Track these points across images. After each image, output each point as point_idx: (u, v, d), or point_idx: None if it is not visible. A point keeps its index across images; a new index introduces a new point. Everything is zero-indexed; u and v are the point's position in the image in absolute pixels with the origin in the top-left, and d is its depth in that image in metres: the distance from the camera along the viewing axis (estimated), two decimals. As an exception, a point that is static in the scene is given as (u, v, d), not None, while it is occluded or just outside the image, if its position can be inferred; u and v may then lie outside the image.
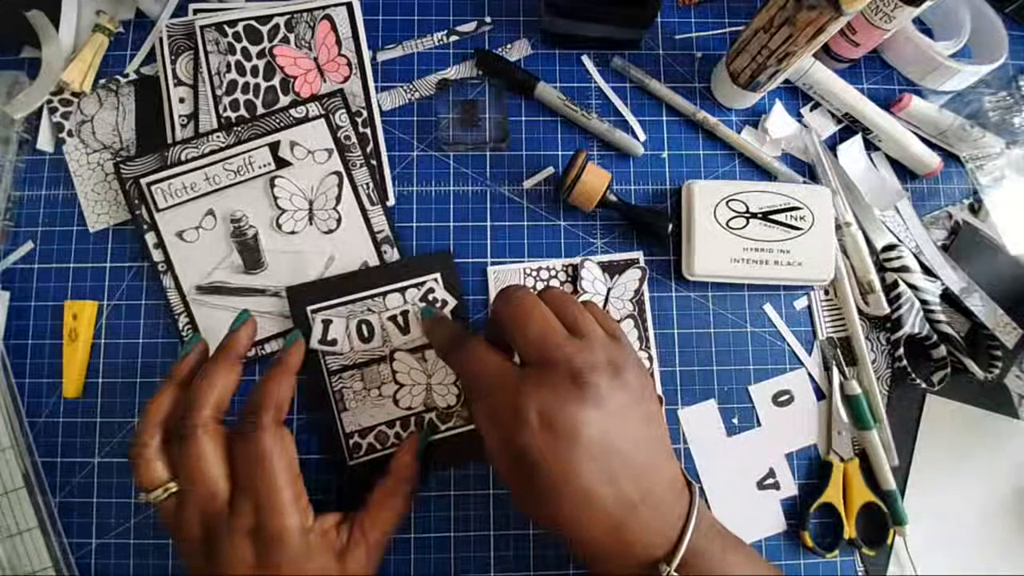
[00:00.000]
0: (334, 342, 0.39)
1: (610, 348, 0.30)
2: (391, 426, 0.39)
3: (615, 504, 0.27)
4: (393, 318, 0.40)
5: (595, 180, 0.39)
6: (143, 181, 0.40)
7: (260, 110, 0.42)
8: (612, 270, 0.42)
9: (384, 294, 0.40)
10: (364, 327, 0.40)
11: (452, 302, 0.40)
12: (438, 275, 0.41)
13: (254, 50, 0.43)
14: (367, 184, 0.42)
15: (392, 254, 0.41)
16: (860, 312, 0.42)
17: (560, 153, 0.44)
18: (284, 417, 0.33)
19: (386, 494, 0.35)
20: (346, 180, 0.42)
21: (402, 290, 0.40)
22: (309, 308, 0.40)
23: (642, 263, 0.42)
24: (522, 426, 0.27)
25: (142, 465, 0.31)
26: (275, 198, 0.41)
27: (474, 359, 0.31)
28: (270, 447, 0.31)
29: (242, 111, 0.42)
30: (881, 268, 0.42)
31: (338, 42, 0.43)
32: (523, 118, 0.44)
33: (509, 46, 0.45)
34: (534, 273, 0.42)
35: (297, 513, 0.30)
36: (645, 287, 0.42)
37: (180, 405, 0.32)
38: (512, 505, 0.39)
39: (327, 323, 0.39)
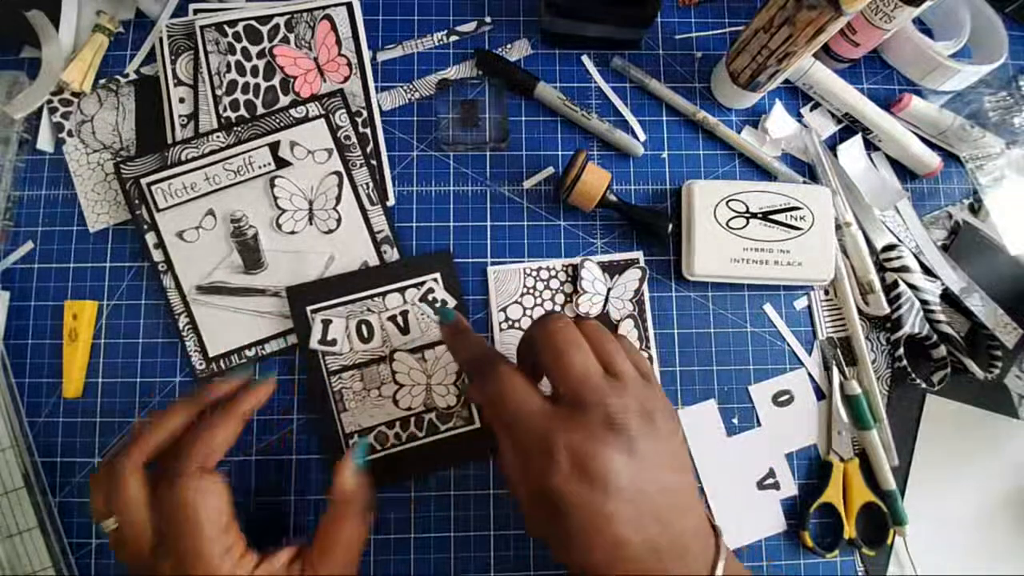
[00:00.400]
0: (334, 342, 0.39)
1: (643, 391, 0.29)
2: (391, 426, 0.39)
3: (646, 553, 0.26)
4: (393, 318, 0.40)
5: (595, 180, 0.39)
6: (143, 181, 0.40)
7: (260, 110, 0.42)
8: (612, 270, 0.42)
9: (384, 294, 0.40)
10: (364, 327, 0.40)
11: (452, 302, 0.40)
12: (438, 275, 0.41)
13: (254, 50, 0.43)
14: (367, 184, 0.42)
15: (392, 254, 0.41)
16: (860, 312, 0.42)
17: (560, 153, 0.44)
18: (215, 462, 0.31)
19: (329, 522, 0.32)
20: (346, 180, 0.42)
21: (402, 290, 0.40)
22: (309, 308, 0.40)
23: (642, 263, 0.42)
24: (553, 467, 0.26)
25: (93, 491, 0.31)
26: (275, 198, 0.41)
27: (507, 389, 0.29)
28: (191, 498, 0.29)
29: (242, 111, 0.42)
30: (881, 268, 0.42)
31: (338, 42, 0.43)
32: (523, 118, 0.44)
33: (509, 46, 0.45)
34: (534, 273, 0.42)
35: (228, 565, 0.29)
36: (645, 287, 0.42)
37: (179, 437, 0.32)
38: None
39: (327, 323, 0.39)
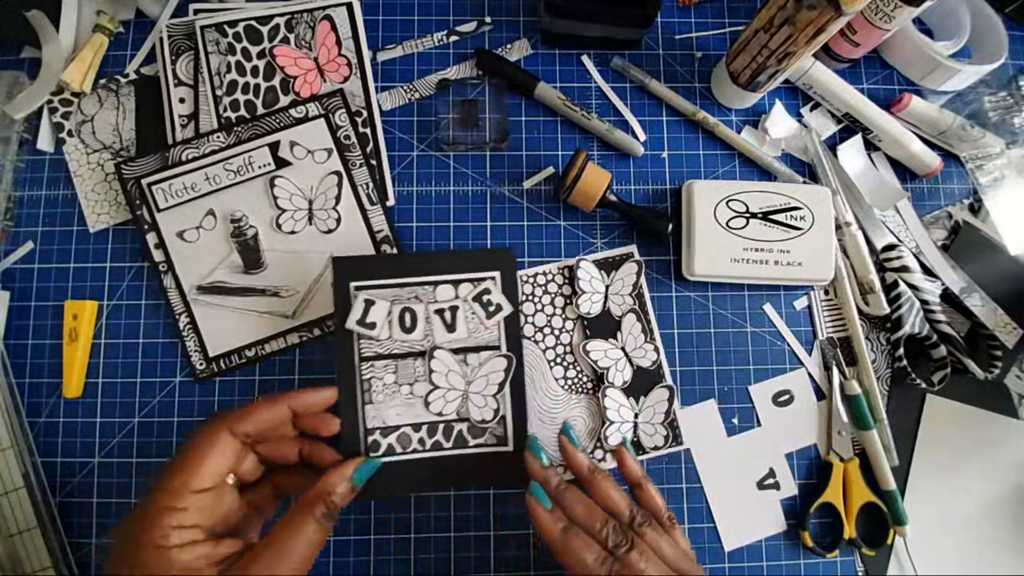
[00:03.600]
0: (373, 325, 0.36)
1: None
2: (416, 429, 0.36)
3: None
4: (441, 312, 0.37)
5: (595, 180, 0.39)
6: (144, 181, 0.40)
7: (260, 110, 0.42)
8: (608, 267, 0.42)
9: (436, 284, 0.37)
10: (407, 315, 0.36)
11: (508, 308, 0.37)
12: (497, 274, 0.37)
13: (254, 50, 0.43)
14: (367, 184, 0.42)
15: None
16: (860, 312, 0.42)
17: (560, 153, 0.44)
18: (244, 431, 0.31)
19: (296, 515, 0.30)
20: (346, 180, 0.42)
21: (456, 283, 0.37)
22: (353, 284, 0.37)
23: (637, 256, 0.42)
24: None
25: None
26: (275, 198, 0.41)
27: None
28: (205, 440, 0.30)
29: (242, 111, 0.42)
30: (881, 268, 0.42)
31: (338, 42, 0.43)
32: (523, 118, 0.44)
33: (509, 46, 0.45)
34: (531, 280, 0.42)
35: (171, 521, 0.28)
36: (643, 280, 0.42)
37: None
38: None
39: (369, 304, 0.36)
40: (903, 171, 0.45)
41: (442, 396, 0.37)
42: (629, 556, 0.31)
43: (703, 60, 0.45)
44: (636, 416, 0.40)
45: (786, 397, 0.41)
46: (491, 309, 0.37)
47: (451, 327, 0.37)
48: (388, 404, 0.36)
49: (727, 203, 0.41)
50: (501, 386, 0.37)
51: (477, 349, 0.37)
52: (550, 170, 0.43)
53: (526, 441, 0.36)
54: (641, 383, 0.40)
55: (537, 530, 0.32)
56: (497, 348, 0.37)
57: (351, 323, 0.36)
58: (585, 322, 0.41)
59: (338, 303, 0.37)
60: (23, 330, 0.40)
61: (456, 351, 0.37)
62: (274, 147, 0.41)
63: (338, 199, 0.41)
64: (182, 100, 0.42)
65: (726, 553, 0.40)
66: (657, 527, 0.33)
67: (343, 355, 0.36)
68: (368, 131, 0.43)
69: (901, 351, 0.40)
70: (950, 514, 0.41)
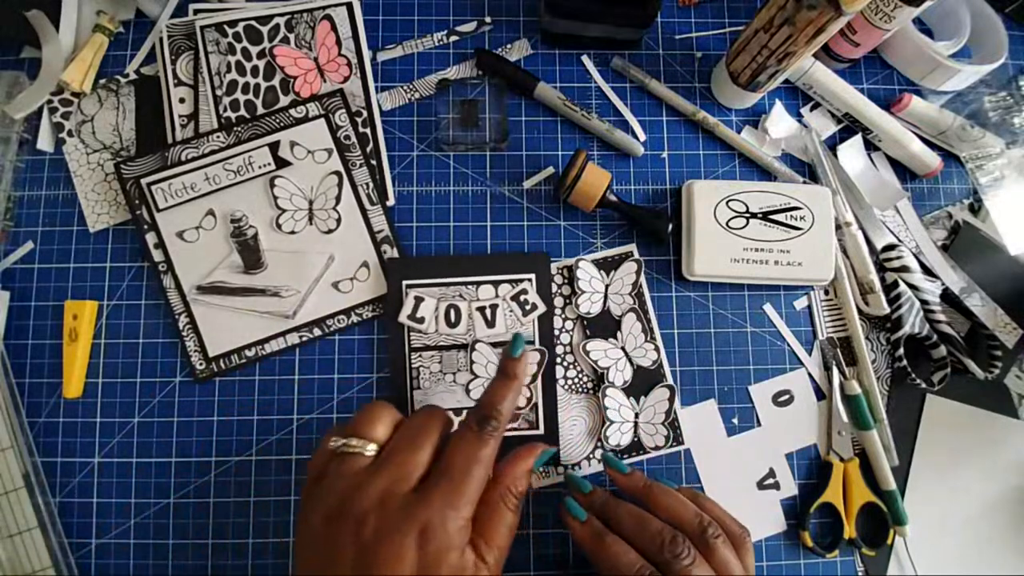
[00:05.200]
0: (422, 320, 0.40)
1: None
2: (457, 414, 0.40)
3: None
4: (482, 309, 0.40)
5: (595, 180, 0.39)
6: (143, 181, 0.40)
7: (260, 110, 0.42)
8: (608, 266, 0.42)
9: (478, 284, 0.41)
10: (452, 312, 0.40)
11: (542, 308, 0.40)
12: (533, 276, 0.41)
13: (254, 50, 0.43)
14: (367, 184, 0.42)
15: (392, 254, 0.41)
16: (860, 312, 0.42)
17: (560, 153, 0.44)
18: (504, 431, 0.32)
19: (495, 507, 0.31)
20: (346, 180, 0.42)
21: (496, 283, 0.41)
22: (404, 282, 0.40)
23: (636, 255, 0.42)
24: None
25: (375, 415, 0.31)
26: (275, 198, 0.41)
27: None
28: (489, 454, 0.30)
29: (242, 111, 0.42)
30: (881, 268, 0.42)
31: (338, 42, 0.43)
32: (523, 118, 0.44)
33: (509, 46, 0.45)
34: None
35: (467, 532, 0.29)
36: (643, 279, 0.42)
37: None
38: None
39: (419, 300, 0.40)
40: (903, 171, 0.45)
41: (481, 384, 0.40)
42: (689, 570, 0.30)
43: (703, 60, 0.45)
44: (636, 416, 0.40)
45: (786, 397, 0.41)
46: (527, 308, 0.40)
47: (491, 323, 0.40)
48: (433, 390, 0.40)
49: (727, 203, 0.41)
50: (534, 377, 0.40)
51: None
52: (550, 170, 0.43)
53: (565, 475, 0.38)
54: (641, 383, 0.40)
55: (574, 540, 0.34)
56: (532, 343, 0.40)
57: (402, 317, 0.40)
58: (585, 322, 0.41)
59: (390, 300, 0.40)
60: (23, 330, 0.40)
61: (495, 345, 0.40)
62: (274, 147, 0.41)
63: (338, 199, 0.41)
64: (182, 100, 0.42)
65: (726, 553, 0.40)
66: (728, 542, 0.32)
67: (395, 346, 0.40)
68: (368, 131, 0.43)
69: (901, 351, 0.40)
70: (950, 514, 0.41)
